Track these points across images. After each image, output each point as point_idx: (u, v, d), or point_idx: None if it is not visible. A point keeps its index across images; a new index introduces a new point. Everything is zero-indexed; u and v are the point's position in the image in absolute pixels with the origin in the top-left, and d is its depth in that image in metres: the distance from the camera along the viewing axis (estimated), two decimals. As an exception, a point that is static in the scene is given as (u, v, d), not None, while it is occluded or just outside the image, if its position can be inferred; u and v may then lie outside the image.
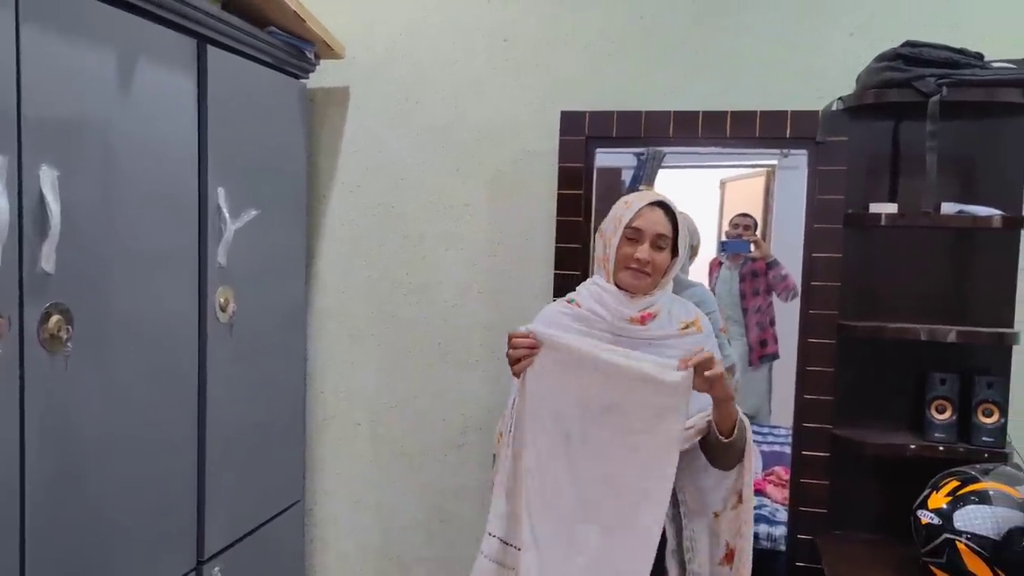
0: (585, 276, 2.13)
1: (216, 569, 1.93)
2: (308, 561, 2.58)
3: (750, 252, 2.39)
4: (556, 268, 2.23)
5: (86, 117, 1.49)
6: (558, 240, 2.23)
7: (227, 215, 1.89)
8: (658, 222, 1.65)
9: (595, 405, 1.57)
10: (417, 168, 2.45)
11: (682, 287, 2.21)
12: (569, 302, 1.75)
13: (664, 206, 1.67)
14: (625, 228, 1.65)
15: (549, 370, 1.59)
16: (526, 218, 2.37)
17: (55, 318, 1.39)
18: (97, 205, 1.52)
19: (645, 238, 1.65)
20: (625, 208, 1.68)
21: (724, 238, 2.43)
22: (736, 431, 1.59)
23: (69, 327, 1.42)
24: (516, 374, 1.64)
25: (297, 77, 2.30)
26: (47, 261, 1.36)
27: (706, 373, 1.51)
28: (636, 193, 1.71)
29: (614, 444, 1.58)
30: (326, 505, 2.58)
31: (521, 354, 1.61)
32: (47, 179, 1.35)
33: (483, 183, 2.41)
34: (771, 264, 2.34)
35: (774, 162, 2.34)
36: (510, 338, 1.62)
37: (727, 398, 1.57)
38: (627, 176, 2.35)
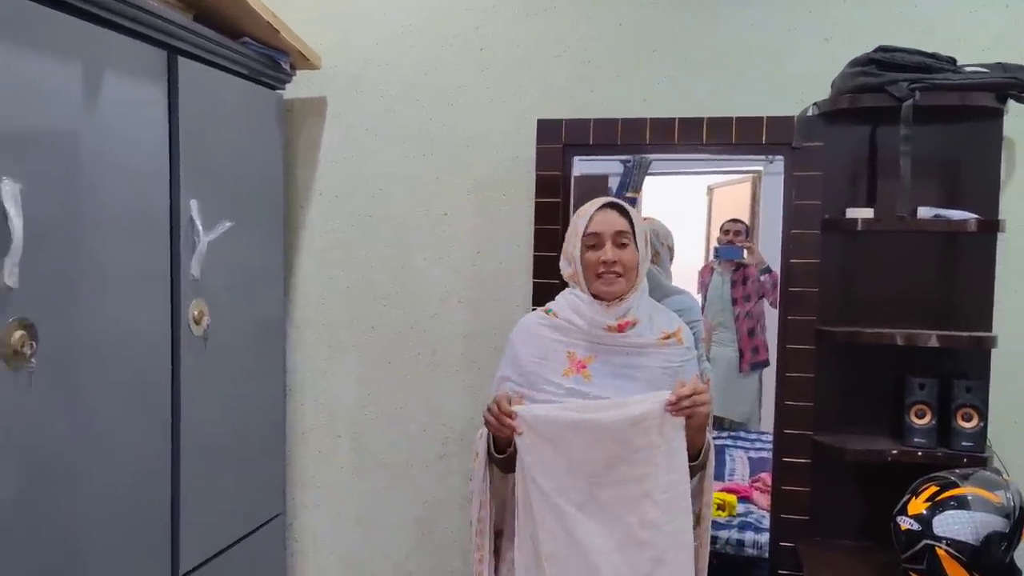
0: (564, 284, 2.12)
1: (192, 585, 1.91)
2: (288, 575, 2.56)
3: (743, 258, 2.38)
4: (535, 277, 2.22)
5: (51, 130, 1.48)
6: (536, 248, 2.22)
7: (200, 227, 1.87)
8: (614, 222, 1.66)
9: (598, 466, 1.55)
10: (396, 177, 2.44)
11: (667, 294, 2.20)
12: (547, 312, 1.75)
13: (616, 206, 1.68)
14: (583, 236, 1.66)
15: (541, 446, 1.57)
16: (506, 227, 2.36)
17: (18, 333, 1.38)
18: (64, 218, 1.50)
19: (605, 239, 1.65)
20: (579, 219, 1.69)
21: (716, 244, 2.43)
22: (702, 455, 1.62)
23: (33, 342, 1.41)
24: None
25: (273, 88, 2.29)
26: (9, 276, 1.34)
27: (684, 403, 1.53)
28: (588, 203, 1.71)
29: (628, 497, 1.56)
30: (306, 518, 2.55)
31: (502, 432, 1.60)
32: (9, 193, 1.33)
33: (463, 192, 2.40)
34: (764, 270, 2.33)
35: (760, 168, 2.33)
36: (498, 405, 1.60)
37: (702, 426, 1.59)
38: (614, 183, 2.34)
